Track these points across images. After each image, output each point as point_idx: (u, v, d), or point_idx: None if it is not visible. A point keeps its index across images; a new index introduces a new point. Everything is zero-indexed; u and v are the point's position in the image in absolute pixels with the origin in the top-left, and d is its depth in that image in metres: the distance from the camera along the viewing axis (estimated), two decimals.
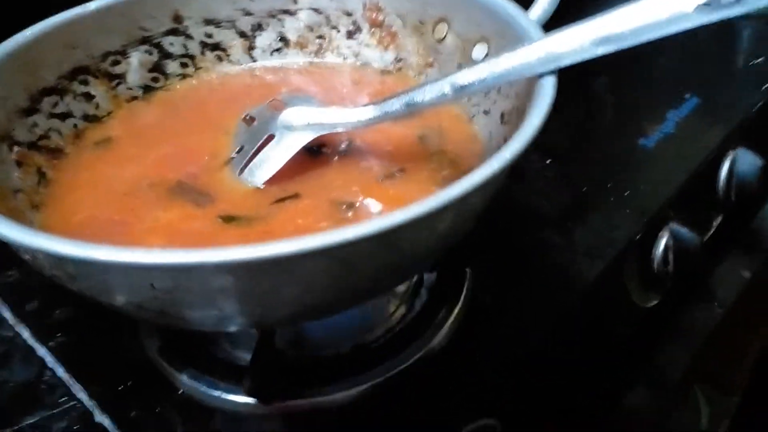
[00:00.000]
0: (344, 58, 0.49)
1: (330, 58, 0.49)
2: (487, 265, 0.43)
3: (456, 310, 0.40)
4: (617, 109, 0.59)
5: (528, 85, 0.34)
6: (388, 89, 0.47)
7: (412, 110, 0.36)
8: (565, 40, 0.32)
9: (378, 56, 0.48)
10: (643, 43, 0.31)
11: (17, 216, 0.34)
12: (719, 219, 0.55)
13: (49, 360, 0.43)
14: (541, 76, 0.32)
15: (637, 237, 0.47)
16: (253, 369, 0.35)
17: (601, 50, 0.31)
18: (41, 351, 0.44)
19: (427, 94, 0.35)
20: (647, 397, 0.48)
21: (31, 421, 0.40)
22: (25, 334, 0.46)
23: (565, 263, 0.45)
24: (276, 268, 0.25)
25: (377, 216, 0.35)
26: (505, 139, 0.36)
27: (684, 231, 0.48)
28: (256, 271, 0.25)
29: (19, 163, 0.38)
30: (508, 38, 0.38)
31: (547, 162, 0.53)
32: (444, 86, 0.35)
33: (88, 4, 0.43)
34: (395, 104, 0.36)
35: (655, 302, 0.49)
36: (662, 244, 0.48)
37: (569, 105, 0.57)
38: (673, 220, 0.49)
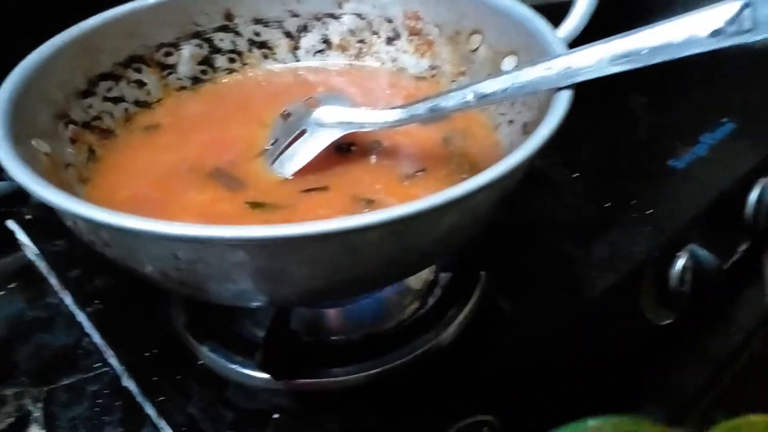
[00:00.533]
0: (382, 63, 0.51)
1: (369, 61, 0.51)
2: (502, 269, 0.45)
3: (466, 310, 0.42)
4: (651, 129, 0.59)
5: (548, 96, 0.36)
6: (422, 95, 0.49)
7: (436, 115, 0.38)
8: (583, 57, 0.33)
9: (414, 62, 0.50)
10: (664, 63, 0.32)
11: (66, 188, 0.38)
12: (745, 245, 0.55)
13: (87, 325, 0.47)
14: (559, 89, 0.34)
15: (655, 254, 0.47)
16: (265, 345, 0.38)
17: (617, 68, 0.32)
18: (80, 317, 0.48)
19: (451, 100, 0.38)
20: (656, 414, 0.49)
21: (66, 382, 0.44)
22: (68, 300, 0.49)
23: (580, 274, 0.46)
24: (284, 248, 0.27)
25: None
26: None
27: (704, 253, 0.48)
28: (266, 250, 0.27)
29: (72, 140, 0.41)
30: (534, 52, 0.40)
31: (575, 176, 0.54)
32: (467, 94, 0.37)
33: None
34: (421, 108, 0.39)
35: (670, 321, 0.49)
36: (680, 263, 0.48)
37: (604, 122, 0.59)
38: (694, 241, 0.49)
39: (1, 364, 0.45)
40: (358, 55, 0.51)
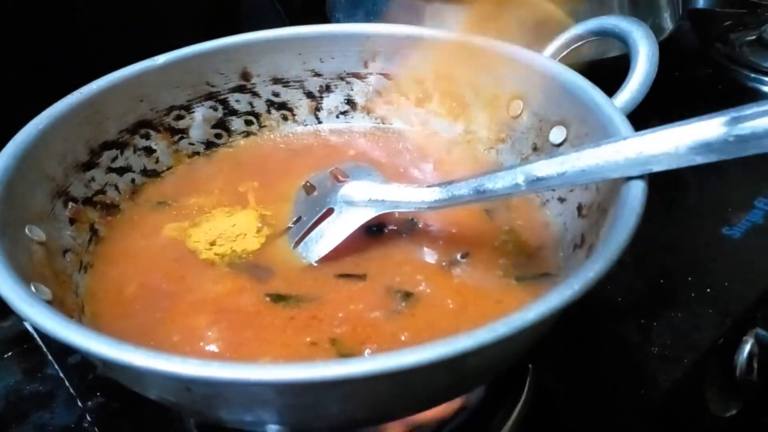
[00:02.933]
0: (411, 125, 0.47)
1: (396, 124, 0.47)
2: (551, 359, 0.40)
3: (516, 410, 0.37)
4: (700, 193, 0.55)
5: (613, 182, 0.31)
6: (455, 161, 0.45)
7: (481, 198, 0.34)
8: (659, 142, 0.29)
9: (447, 126, 0.45)
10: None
11: (62, 280, 0.34)
12: None
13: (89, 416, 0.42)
14: (629, 179, 0.29)
15: (720, 341, 0.42)
16: None
17: (701, 159, 0.28)
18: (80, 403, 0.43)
19: (498, 181, 0.33)
20: None
21: None
22: (67, 383, 0.45)
23: (639, 364, 0.41)
24: (323, 388, 0.22)
25: (435, 309, 0.33)
26: (583, 236, 0.34)
27: None
28: (301, 390, 0.23)
29: (72, 221, 0.37)
30: (589, 125, 0.36)
31: None
32: (518, 176, 0.32)
33: (156, 58, 0.43)
34: (463, 188, 0.34)
35: (735, 412, 0.44)
36: (746, 350, 0.43)
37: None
38: (759, 324, 0.44)
39: None
40: (385, 118, 0.47)
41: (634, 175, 0.29)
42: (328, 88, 0.47)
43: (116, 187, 0.41)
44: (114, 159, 0.41)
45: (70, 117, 0.38)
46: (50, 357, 0.46)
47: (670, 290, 0.46)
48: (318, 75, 0.47)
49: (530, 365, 0.40)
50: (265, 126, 0.47)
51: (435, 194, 0.35)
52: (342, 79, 0.47)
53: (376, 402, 0.25)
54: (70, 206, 0.37)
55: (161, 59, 0.43)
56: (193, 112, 0.45)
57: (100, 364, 0.25)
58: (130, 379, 0.26)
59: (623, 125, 0.33)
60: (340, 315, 0.33)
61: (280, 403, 0.24)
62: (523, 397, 0.38)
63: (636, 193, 0.28)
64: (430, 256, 0.37)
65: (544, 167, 0.31)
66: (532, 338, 0.27)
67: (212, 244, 0.38)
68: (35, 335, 0.48)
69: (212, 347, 0.31)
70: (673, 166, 0.28)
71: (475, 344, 0.22)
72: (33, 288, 0.28)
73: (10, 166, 0.33)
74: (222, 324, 0.33)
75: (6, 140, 0.35)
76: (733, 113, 0.27)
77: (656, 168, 0.29)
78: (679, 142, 0.28)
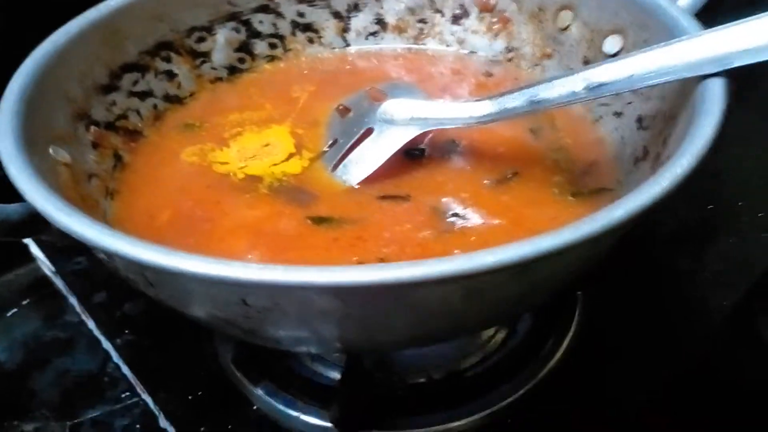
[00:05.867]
0: (447, 45, 0.44)
1: (431, 44, 0.44)
2: (600, 287, 0.38)
3: (566, 341, 0.35)
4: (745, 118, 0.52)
5: (682, 87, 0.29)
6: (495, 81, 0.42)
7: (536, 108, 0.31)
8: (739, 36, 0.26)
9: (486, 44, 0.43)
10: None
11: (90, 205, 0.31)
12: None
13: (114, 355, 0.41)
14: (705, 77, 0.27)
15: None
16: (340, 395, 0.31)
17: None
18: (106, 344, 0.42)
19: (556, 89, 0.30)
20: None
21: (92, 416, 0.38)
22: (91, 324, 0.43)
23: (691, 291, 0.39)
24: (393, 293, 0.20)
25: (486, 226, 0.31)
26: (645, 148, 0.32)
27: None
28: (368, 296, 0.21)
29: (95, 145, 0.35)
30: (651, 31, 0.33)
31: None
32: (577, 83, 0.30)
33: None
34: (517, 99, 0.32)
35: None
36: None
37: None
38: None
39: (19, 393, 0.40)
40: (418, 38, 0.44)
41: (711, 72, 0.27)
42: (356, 7, 0.44)
43: (138, 113, 0.38)
44: (135, 82, 0.38)
45: (87, 35, 0.35)
46: (71, 300, 0.45)
47: (719, 217, 0.44)
48: None
49: (579, 293, 0.38)
50: (290, 49, 0.44)
51: (485, 108, 0.32)
52: None
53: (442, 313, 0.23)
54: (92, 130, 0.35)
55: None
56: (215, 33, 0.42)
57: (152, 276, 0.23)
58: (180, 294, 0.24)
59: (692, 25, 0.30)
60: (387, 235, 0.31)
61: (344, 313, 0.22)
62: (572, 327, 0.37)
63: (716, 89, 0.26)
64: (475, 175, 0.35)
65: (607, 71, 0.29)
66: (606, 247, 0.25)
67: (245, 165, 0.35)
68: (53, 278, 0.47)
69: None
70: (760, 59, 0.26)
71: (560, 243, 0.20)
72: None
73: (30, 83, 0.31)
74: (262, 247, 0.31)
75: (23, 58, 0.33)
76: None
77: (738, 62, 0.26)
78: (763, 35, 0.26)
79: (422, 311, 0.22)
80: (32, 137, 0.29)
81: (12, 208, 0.26)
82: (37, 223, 0.25)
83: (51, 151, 0.30)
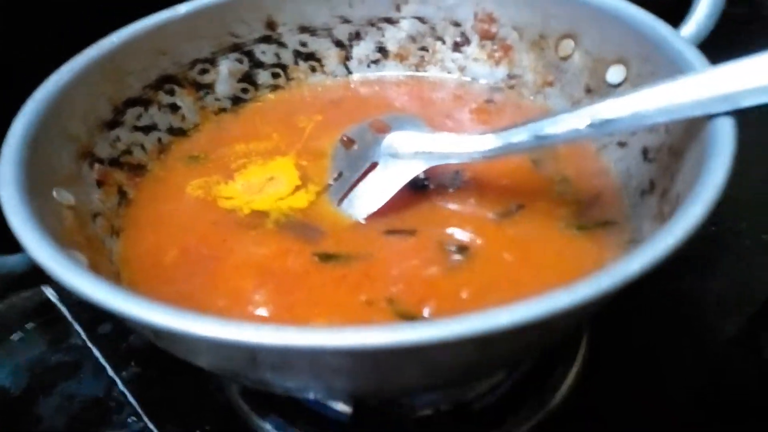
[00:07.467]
0: (448, 72, 0.44)
1: (432, 71, 0.44)
2: (605, 311, 0.38)
3: (575, 367, 0.35)
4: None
5: (686, 123, 0.29)
6: (497, 108, 0.42)
7: (541, 143, 0.31)
8: (746, 75, 0.26)
9: (487, 71, 0.43)
10: None
11: (95, 246, 0.31)
12: None
13: (120, 386, 0.41)
14: (710, 117, 0.27)
15: None
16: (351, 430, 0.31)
17: None
18: (111, 372, 0.41)
19: (561, 125, 0.30)
20: None
21: None
22: (97, 353, 0.43)
23: (694, 316, 0.39)
24: (405, 353, 0.20)
25: (493, 262, 0.31)
26: (652, 181, 0.32)
27: None
28: (380, 356, 0.21)
29: (99, 183, 0.35)
30: (654, 62, 0.33)
31: None
32: (582, 118, 0.30)
33: (177, 7, 0.40)
34: (522, 134, 0.31)
35: None
36: None
37: None
38: None
39: (25, 419, 0.39)
40: (420, 65, 0.45)
41: (719, 111, 0.27)
42: (358, 36, 0.44)
43: (142, 147, 0.38)
44: (139, 117, 0.38)
45: (89, 72, 0.35)
46: (76, 327, 0.45)
47: (721, 238, 0.44)
48: (347, 21, 0.44)
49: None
50: (292, 78, 0.44)
51: (489, 142, 0.32)
52: (372, 24, 0.44)
53: (455, 364, 0.23)
54: (96, 167, 0.35)
55: (183, 9, 0.40)
56: (218, 65, 0.42)
57: (153, 334, 0.23)
58: (188, 349, 0.24)
59: (697, 60, 0.30)
60: (394, 273, 0.31)
61: (355, 369, 0.22)
62: (579, 354, 0.36)
63: (725, 131, 0.26)
64: (480, 209, 0.35)
65: (613, 107, 0.29)
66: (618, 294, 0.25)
67: (251, 200, 0.35)
68: (59, 305, 0.47)
69: (261, 311, 0.29)
70: (764, 101, 0.26)
71: (576, 300, 0.20)
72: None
73: (33, 125, 0.31)
74: (269, 286, 0.31)
75: (24, 99, 0.32)
76: None
77: (745, 103, 0.26)
78: None
79: (435, 364, 0.22)
80: (35, 182, 0.29)
81: (15, 261, 0.26)
82: (41, 273, 0.25)
83: (55, 194, 0.30)
